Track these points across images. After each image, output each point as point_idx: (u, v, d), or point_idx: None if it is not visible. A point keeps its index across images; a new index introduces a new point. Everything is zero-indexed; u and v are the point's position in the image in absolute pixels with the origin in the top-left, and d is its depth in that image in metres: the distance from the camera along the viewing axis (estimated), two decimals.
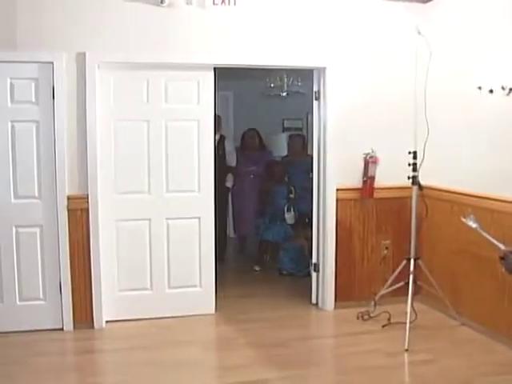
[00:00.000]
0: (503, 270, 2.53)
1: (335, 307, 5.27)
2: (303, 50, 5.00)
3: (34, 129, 4.57)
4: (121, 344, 4.54)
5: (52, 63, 4.50)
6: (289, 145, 7.38)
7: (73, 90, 4.59)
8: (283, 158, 7.52)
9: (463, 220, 2.94)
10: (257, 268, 6.81)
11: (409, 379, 4.09)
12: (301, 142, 7.05)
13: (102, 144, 4.77)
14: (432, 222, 5.18)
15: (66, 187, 4.64)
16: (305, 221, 6.45)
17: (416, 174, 4.75)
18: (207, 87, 4.96)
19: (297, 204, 6.70)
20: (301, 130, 8.77)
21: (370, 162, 5.16)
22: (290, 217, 6.70)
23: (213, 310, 5.15)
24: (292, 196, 6.70)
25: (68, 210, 4.65)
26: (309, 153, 6.20)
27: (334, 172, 5.17)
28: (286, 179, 6.93)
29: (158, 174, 4.94)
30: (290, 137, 7.44)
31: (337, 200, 5.20)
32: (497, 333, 4.51)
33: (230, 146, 7.09)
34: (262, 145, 7.26)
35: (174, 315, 5.01)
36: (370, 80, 5.19)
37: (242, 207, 7.13)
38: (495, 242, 2.69)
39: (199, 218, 5.06)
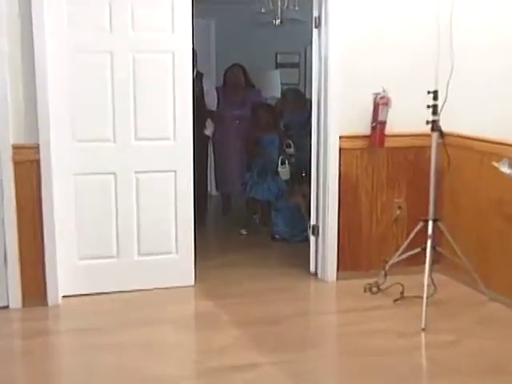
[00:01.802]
0: None
1: (338, 278, 5.29)
2: None
3: None
4: (80, 324, 4.50)
5: None
6: (282, 99, 7.57)
7: (15, 15, 4.45)
8: (277, 102, 7.57)
9: (495, 165, 2.79)
10: (244, 232, 6.80)
11: (426, 364, 4.08)
12: (297, 98, 7.21)
13: (55, 82, 4.65)
14: (455, 176, 5.16)
15: (11, 135, 4.55)
16: (301, 175, 6.49)
17: (437, 117, 4.68)
18: (183, 12, 4.86)
19: (293, 157, 6.80)
20: (297, 65, 8.84)
21: (380, 103, 5.10)
22: (284, 171, 6.69)
23: (192, 282, 5.14)
24: (289, 150, 6.72)
25: (14, 163, 4.58)
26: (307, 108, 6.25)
27: (337, 116, 5.14)
28: (282, 126, 6.99)
29: (124, 118, 4.89)
30: (285, 94, 7.59)
31: (340, 150, 5.18)
32: None
33: (208, 85, 7.04)
34: (248, 83, 7.21)
35: (144, 288, 5.01)
36: (383, 2, 5.14)
37: (225, 159, 7.11)
38: None
39: (175, 172, 5.04)
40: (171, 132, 4.99)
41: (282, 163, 6.68)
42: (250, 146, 6.85)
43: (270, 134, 6.80)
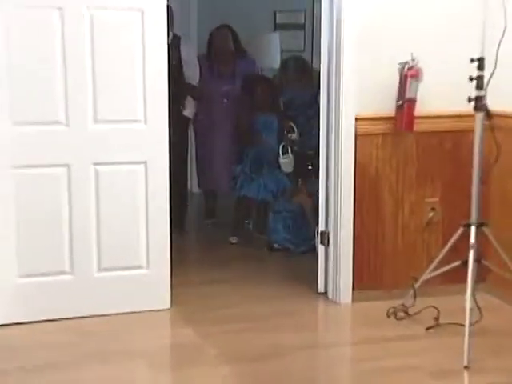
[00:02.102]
0: None
1: (354, 299, 5.29)
2: None
3: None
4: (21, 360, 4.39)
5: None
6: (282, 71, 7.59)
7: None
8: (276, 74, 7.61)
9: None
10: (233, 240, 6.82)
11: None
12: (301, 69, 7.23)
13: None
14: (506, 169, 5.14)
15: None
16: (307, 168, 6.44)
17: (482, 93, 4.61)
18: None
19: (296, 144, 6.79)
20: (302, 27, 8.89)
21: (408, 76, 5.08)
22: (286, 162, 6.65)
23: (167, 304, 5.12)
24: (292, 135, 6.69)
25: None
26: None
27: (353, 92, 5.14)
28: (281, 105, 6.98)
29: (79, 95, 4.85)
30: (285, 63, 7.61)
31: (356, 135, 5.16)
32: None
33: (187, 52, 7.01)
34: (239, 50, 7.19)
35: (106, 313, 4.96)
36: None
37: (209, 147, 7.08)
38: None
39: (145, 164, 5.00)
40: (141, 112, 4.93)
41: (284, 152, 6.66)
42: (242, 131, 6.82)
43: (267, 114, 6.78)
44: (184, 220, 7.07)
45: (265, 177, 6.71)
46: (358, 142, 5.16)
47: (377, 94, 5.15)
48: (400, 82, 5.09)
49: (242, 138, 6.84)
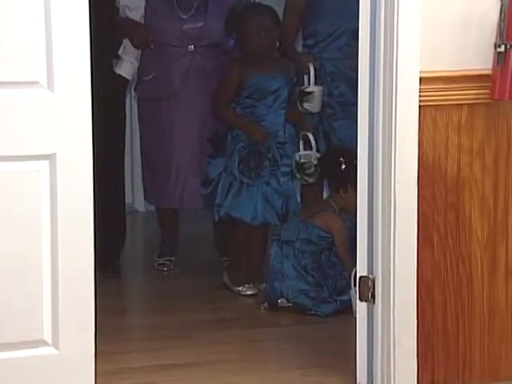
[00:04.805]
0: None
1: None
2: None
3: None
4: None
5: None
6: None
7: None
8: None
9: None
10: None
11: None
12: None
13: None
14: None
15: None
16: (338, 166, 6.59)
17: None
18: None
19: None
20: None
21: None
22: (309, 164, 6.84)
23: None
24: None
25: None
26: None
27: (416, 30, 5.05)
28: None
29: None
30: None
31: (421, 108, 5.06)
32: None
33: None
34: None
35: None
36: None
37: (166, 133, 7.25)
38: None
39: (50, 159, 4.88)
40: (42, 71, 4.82)
41: (305, 143, 6.90)
42: (221, 102, 6.94)
43: (267, 72, 6.86)
44: (119, 257, 7.25)
45: (263, 186, 6.86)
46: (423, 121, 5.05)
47: (458, 36, 5.05)
48: (503, 15, 4.97)
49: (222, 113, 6.99)
